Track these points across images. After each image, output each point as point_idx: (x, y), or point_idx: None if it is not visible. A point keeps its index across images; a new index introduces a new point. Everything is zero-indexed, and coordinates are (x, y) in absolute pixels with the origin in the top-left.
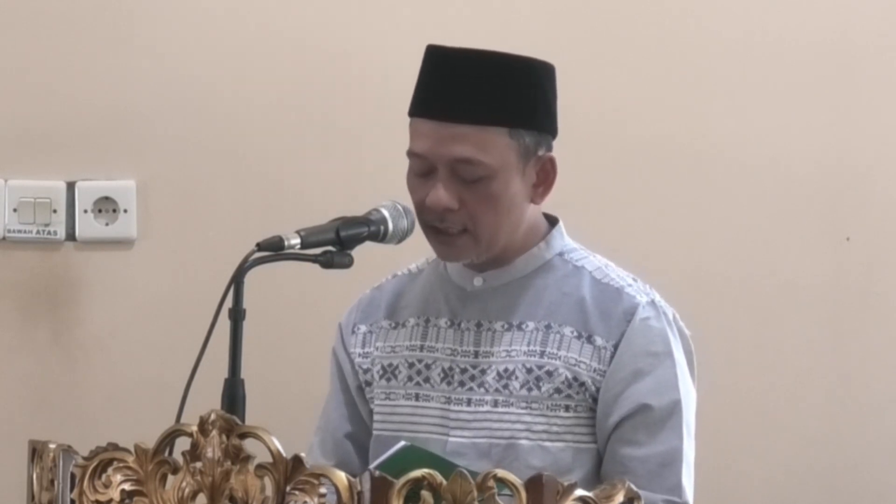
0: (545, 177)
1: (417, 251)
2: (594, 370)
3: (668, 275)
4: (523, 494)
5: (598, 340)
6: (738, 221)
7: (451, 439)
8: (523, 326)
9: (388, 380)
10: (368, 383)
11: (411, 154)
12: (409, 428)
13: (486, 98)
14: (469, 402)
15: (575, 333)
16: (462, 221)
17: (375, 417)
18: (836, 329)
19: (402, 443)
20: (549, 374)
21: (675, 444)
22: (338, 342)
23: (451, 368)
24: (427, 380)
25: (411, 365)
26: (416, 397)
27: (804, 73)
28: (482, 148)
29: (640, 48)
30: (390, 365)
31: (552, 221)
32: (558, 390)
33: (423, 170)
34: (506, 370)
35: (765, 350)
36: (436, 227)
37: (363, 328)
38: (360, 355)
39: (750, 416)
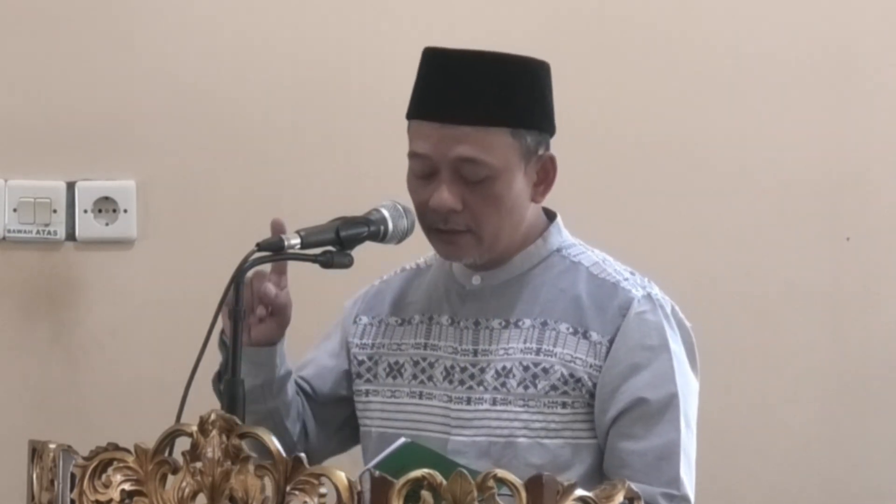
0: (545, 175)
1: (417, 251)
2: (590, 366)
3: (667, 275)
4: (523, 494)
5: (594, 336)
6: (738, 221)
7: (452, 438)
8: (520, 324)
9: (395, 378)
10: (358, 375)
11: (413, 155)
12: (412, 426)
13: (487, 99)
14: (469, 401)
15: (571, 330)
16: (465, 222)
17: (380, 415)
18: (836, 329)
19: (402, 440)
20: (546, 371)
21: (673, 436)
22: (346, 319)
23: (452, 367)
24: (430, 378)
25: (416, 363)
26: (420, 395)
27: (804, 73)
28: (485, 148)
29: (640, 48)
30: (396, 363)
31: (550, 216)
32: (554, 387)
33: (424, 171)
34: (504, 368)
35: (765, 350)
36: (439, 228)
37: (364, 319)
38: (357, 346)
39: (750, 416)
